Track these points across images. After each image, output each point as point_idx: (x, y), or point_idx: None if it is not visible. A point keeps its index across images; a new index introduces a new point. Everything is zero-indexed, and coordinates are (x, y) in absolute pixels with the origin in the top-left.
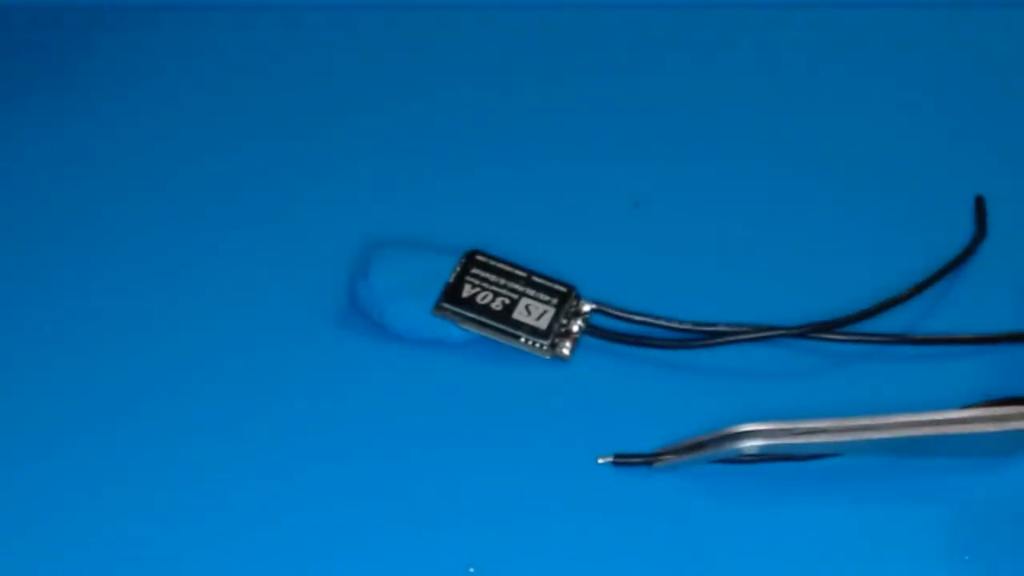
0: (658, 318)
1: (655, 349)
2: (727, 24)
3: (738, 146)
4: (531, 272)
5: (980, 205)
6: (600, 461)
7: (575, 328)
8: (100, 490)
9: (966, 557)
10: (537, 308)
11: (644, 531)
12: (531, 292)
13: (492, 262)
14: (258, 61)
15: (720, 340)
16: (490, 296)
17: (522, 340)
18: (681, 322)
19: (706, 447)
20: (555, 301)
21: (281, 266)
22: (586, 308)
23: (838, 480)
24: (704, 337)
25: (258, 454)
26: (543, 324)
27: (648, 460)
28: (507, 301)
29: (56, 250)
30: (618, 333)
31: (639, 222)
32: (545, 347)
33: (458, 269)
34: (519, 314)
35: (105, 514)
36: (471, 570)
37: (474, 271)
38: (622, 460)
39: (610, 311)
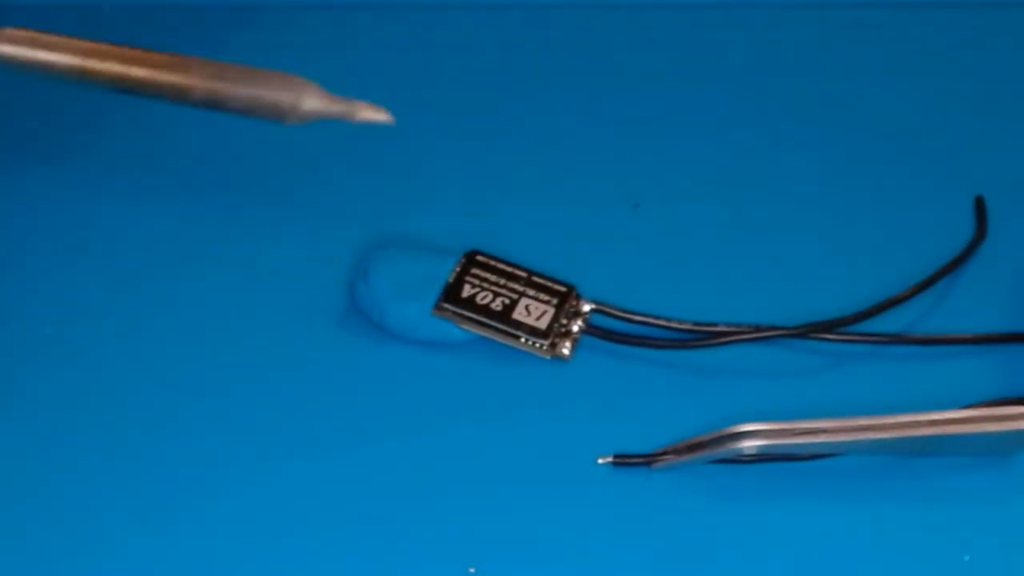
0: (658, 318)
1: (655, 349)
2: (727, 24)
3: (738, 146)
4: (531, 272)
5: (980, 205)
6: (600, 461)
7: (575, 328)
8: (95, 491)
9: (966, 557)
10: (537, 308)
11: (644, 531)
12: (531, 292)
13: (492, 262)
14: (257, 61)
15: (720, 340)
16: (490, 296)
17: (522, 340)
18: (681, 322)
19: (706, 447)
20: (555, 301)
21: (281, 266)
22: (586, 308)
23: (838, 480)
24: (704, 337)
25: (257, 454)
26: (543, 324)
27: (648, 460)
28: (507, 301)
29: (49, 247)
30: (618, 333)
31: (639, 222)
32: (545, 347)
33: (458, 269)
34: (519, 314)
35: (100, 515)
36: (471, 570)
37: (474, 271)
38: (622, 460)
39: (610, 311)
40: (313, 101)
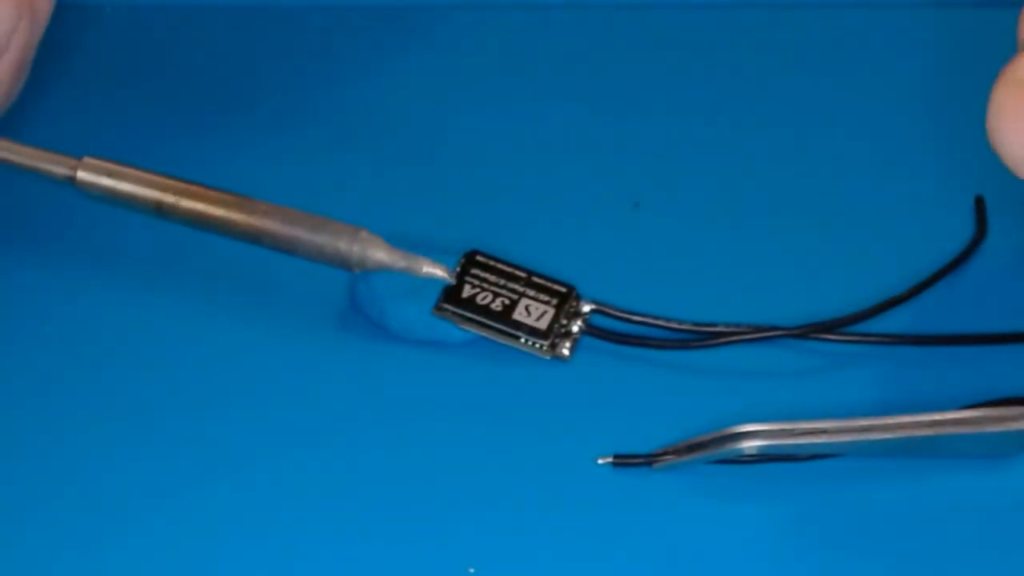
0: (658, 318)
1: (655, 349)
2: (727, 24)
3: (738, 146)
4: (531, 272)
5: (980, 205)
6: (600, 461)
7: (575, 328)
8: (93, 493)
9: (966, 558)
10: (537, 308)
11: (644, 531)
12: (531, 292)
13: (492, 262)
14: (258, 60)
15: (720, 340)
16: (490, 296)
17: (522, 340)
18: (681, 322)
19: (706, 447)
20: (555, 301)
21: (281, 266)
22: (586, 308)
23: (838, 481)
24: (704, 337)
25: (257, 455)
26: (543, 324)
27: (648, 460)
28: (507, 301)
29: (44, 256)
30: (618, 333)
31: (639, 222)
32: (545, 347)
33: (458, 269)
34: (519, 314)
35: (97, 518)
36: (471, 570)
37: (474, 271)
38: (622, 460)
39: (610, 311)
40: (380, 255)
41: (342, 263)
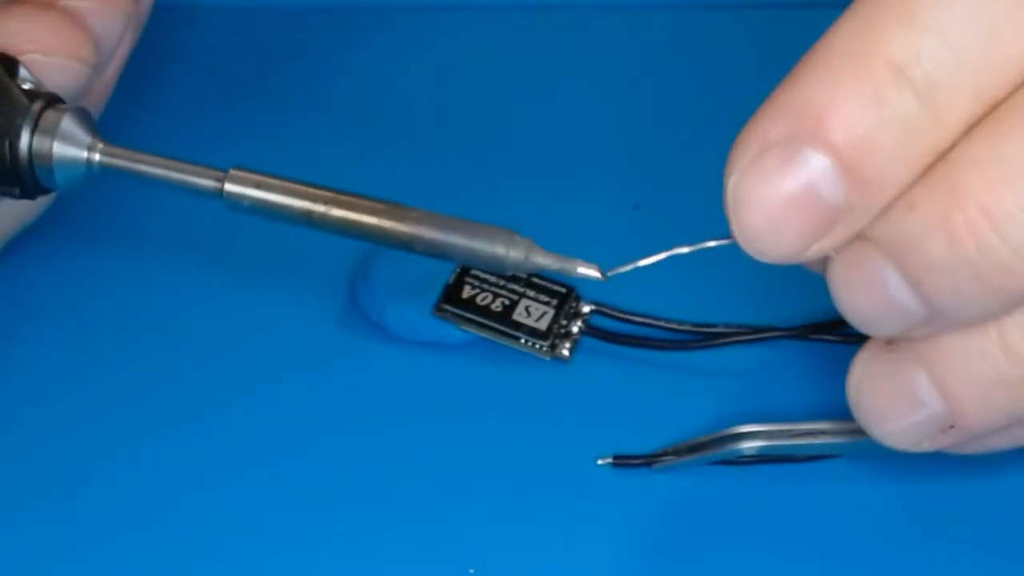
0: (657, 319)
1: (655, 350)
2: (726, 25)
3: None
4: (531, 273)
5: None
6: (600, 462)
7: (575, 329)
8: (94, 493)
9: (966, 558)
10: (537, 309)
11: (644, 531)
12: (531, 293)
13: None
14: (256, 61)
15: (720, 341)
16: (490, 297)
17: (522, 341)
18: (680, 323)
19: (706, 448)
20: (555, 302)
21: (281, 266)
22: (585, 309)
23: (838, 482)
24: (704, 338)
25: (256, 455)
26: (543, 325)
27: (648, 461)
28: (507, 302)
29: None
30: (618, 334)
31: (639, 222)
32: (545, 348)
33: (458, 270)
34: (519, 315)
35: (97, 519)
36: (471, 571)
37: (474, 272)
38: (621, 461)
39: (609, 312)
40: (537, 259)
41: (496, 266)
